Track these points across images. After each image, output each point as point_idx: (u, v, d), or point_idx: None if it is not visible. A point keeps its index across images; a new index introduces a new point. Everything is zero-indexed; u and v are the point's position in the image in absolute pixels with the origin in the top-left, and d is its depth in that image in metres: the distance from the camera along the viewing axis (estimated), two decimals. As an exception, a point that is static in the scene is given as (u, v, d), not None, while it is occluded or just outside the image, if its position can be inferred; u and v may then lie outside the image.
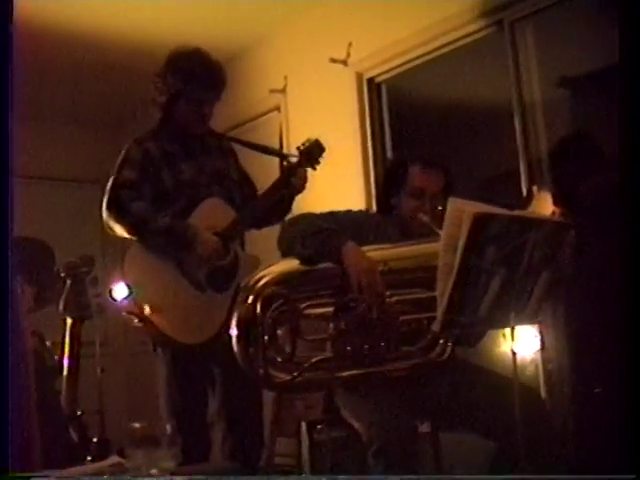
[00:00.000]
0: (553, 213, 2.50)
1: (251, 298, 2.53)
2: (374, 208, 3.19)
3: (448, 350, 2.63)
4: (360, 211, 3.10)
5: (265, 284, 2.56)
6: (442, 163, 3.06)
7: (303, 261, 2.63)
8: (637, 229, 2.03)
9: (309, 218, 2.85)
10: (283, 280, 2.60)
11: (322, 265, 2.63)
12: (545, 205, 2.53)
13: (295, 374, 2.55)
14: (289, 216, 3.39)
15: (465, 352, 3.01)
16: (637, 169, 2.03)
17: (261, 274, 2.60)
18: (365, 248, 2.65)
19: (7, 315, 1.86)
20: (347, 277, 2.58)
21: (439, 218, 2.84)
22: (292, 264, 2.65)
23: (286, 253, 2.72)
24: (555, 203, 2.52)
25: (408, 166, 3.01)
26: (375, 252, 2.66)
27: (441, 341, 2.60)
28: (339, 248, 2.60)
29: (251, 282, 2.58)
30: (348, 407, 2.81)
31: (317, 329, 2.66)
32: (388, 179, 3.10)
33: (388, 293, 2.60)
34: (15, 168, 1.97)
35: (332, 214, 2.87)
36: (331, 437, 3.00)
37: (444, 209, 2.92)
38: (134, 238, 3.30)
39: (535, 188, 2.65)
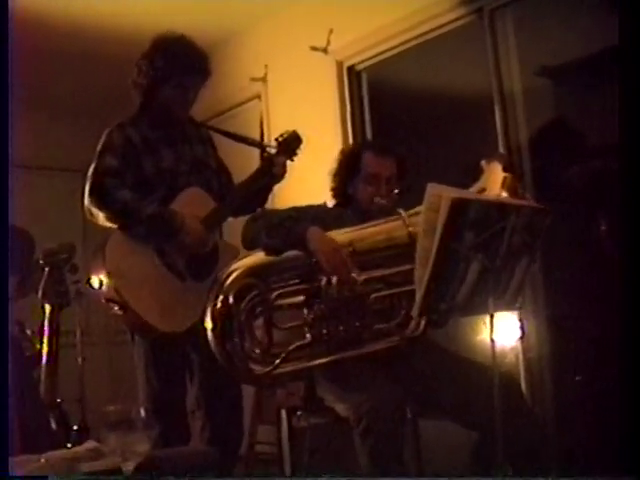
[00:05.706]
0: (504, 179, 2.51)
1: (224, 292, 2.57)
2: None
3: (422, 325, 2.67)
4: (319, 205, 3.14)
5: (236, 278, 2.60)
6: (394, 148, 3.16)
7: (269, 251, 2.69)
8: (627, 218, 2.03)
9: (270, 212, 3.00)
10: (253, 272, 2.64)
11: (289, 254, 2.68)
12: (495, 175, 2.56)
13: (276, 362, 2.58)
14: (259, 210, 3.42)
15: (444, 339, 3.03)
16: (634, 157, 2.03)
17: (231, 268, 2.64)
18: (328, 233, 2.71)
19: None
20: (314, 260, 2.64)
21: (396, 201, 2.92)
22: (260, 256, 2.70)
23: (251, 247, 2.77)
24: (505, 169, 2.54)
25: (361, 154, 3.10)
26: (339, 236, 2.72)
27: (414, 316, 2.63)
28: (303, 234, 2.67)
29: (222, 277, 2.62)
30: (331, 393, 2.81)
31: (292, 318, 2.68)
32: (342, 168, 3.16)
33: (355, 274, 2.65)
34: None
35: (294, 209, 2.93)
36: (311, 424, 3.00)
37: (400, 192, 3.00)
38: (116, 226, 3.27)
39: (483, 162, 2.67)
